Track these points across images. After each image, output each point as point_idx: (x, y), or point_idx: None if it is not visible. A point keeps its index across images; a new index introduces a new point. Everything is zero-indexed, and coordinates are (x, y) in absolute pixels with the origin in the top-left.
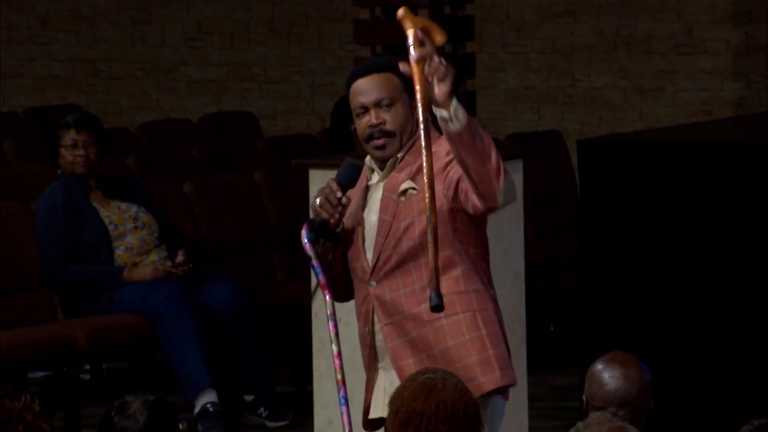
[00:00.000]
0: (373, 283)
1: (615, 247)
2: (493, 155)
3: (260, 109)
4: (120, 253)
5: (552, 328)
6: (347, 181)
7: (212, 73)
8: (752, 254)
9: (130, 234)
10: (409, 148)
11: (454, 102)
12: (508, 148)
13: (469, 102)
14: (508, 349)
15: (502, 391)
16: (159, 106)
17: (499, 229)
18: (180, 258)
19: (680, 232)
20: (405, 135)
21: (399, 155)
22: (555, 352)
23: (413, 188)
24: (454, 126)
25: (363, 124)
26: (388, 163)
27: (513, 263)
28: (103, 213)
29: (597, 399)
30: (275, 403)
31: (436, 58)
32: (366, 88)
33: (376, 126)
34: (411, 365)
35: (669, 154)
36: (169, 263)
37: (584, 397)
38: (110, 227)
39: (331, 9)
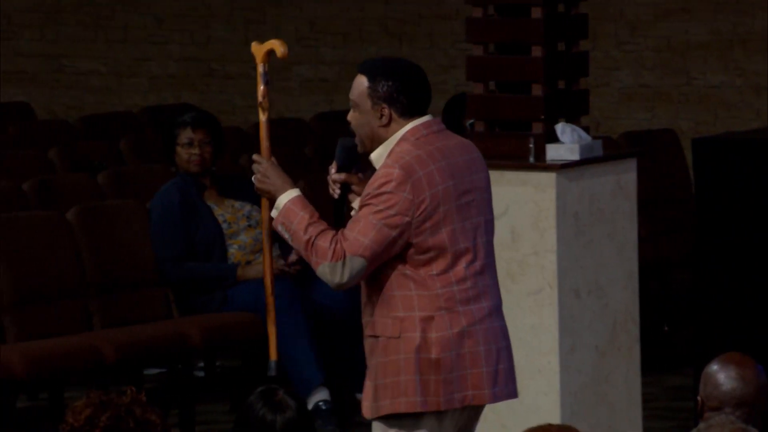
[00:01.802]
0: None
1: (730, 246)
2: (302, 252)
3: None
4: (233, 252)
5: (666, 329)
6: (340, 160)
7: (325, 72)
8: None
9: (243, 232)
10: (385, 157)
11: (276, 205)
12: (622, 147)
13: (582, 101)
14: (450, 373)
15: (407, 416)
16: (272, 105)
17: (612, 229)
18: (293, 257)
19: None
20: (363, 137)
21: (374, 162)
22: (669, 352)
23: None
24: (273, 215)
25: None
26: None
27: (626, 263)
28: (217, 211)
29: (713, 399)
30: None
31: (258, 167)
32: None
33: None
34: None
35: None
36: (282, 262)
37: (699, 398)
38: (224, 225)
39: (443, 7)
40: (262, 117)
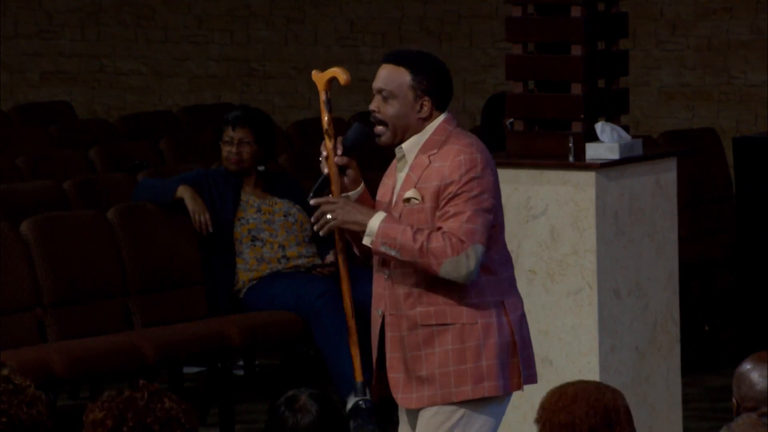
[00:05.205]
0: (387, 271)
1: None
2: (418, 261)
3: None
4: (264, 236)
5: (707, 329)
6: (351, 142)
7: (364, 71)
8: None
9: (278, 223)
10: (420, 147)
11: (368, 232)
12: (662, 146)
13: (622, 100)
14: (523, 352)
15: (483, 400)
16: (311, 104)
17: (652, 229)
18: (330, 258)
19: None
20: (399, 128)
21: (404, 152)
22: (710, 352)
23: (416, 198)
24: (367, 242)
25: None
26: (398, 156)
27: (667, 263)
28: (254, 200)
29: (749, 400)
30: None
31: (332, 207)
32: (379, 74)
33: (372, 111)
34: (397, 359)
35: None
36: (318, 261)
37: (735, 400)
38: (257, 214)
39: (482, 7)
40: (329, 144)
